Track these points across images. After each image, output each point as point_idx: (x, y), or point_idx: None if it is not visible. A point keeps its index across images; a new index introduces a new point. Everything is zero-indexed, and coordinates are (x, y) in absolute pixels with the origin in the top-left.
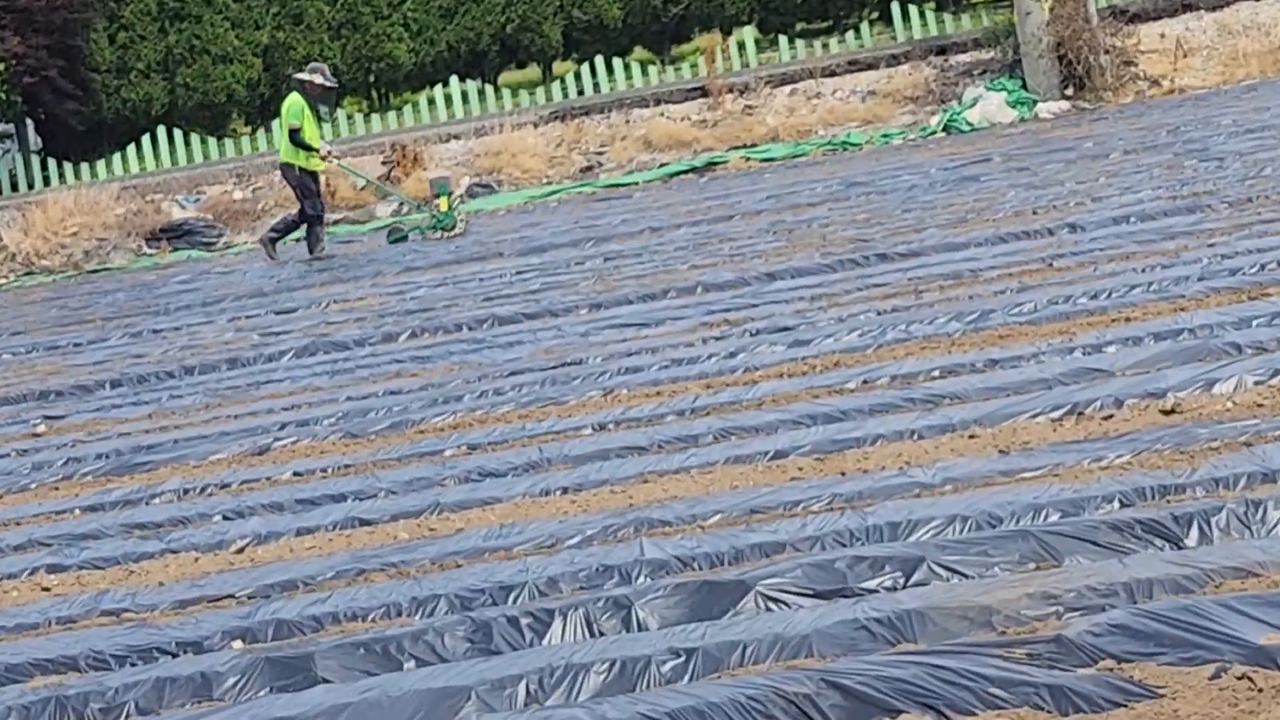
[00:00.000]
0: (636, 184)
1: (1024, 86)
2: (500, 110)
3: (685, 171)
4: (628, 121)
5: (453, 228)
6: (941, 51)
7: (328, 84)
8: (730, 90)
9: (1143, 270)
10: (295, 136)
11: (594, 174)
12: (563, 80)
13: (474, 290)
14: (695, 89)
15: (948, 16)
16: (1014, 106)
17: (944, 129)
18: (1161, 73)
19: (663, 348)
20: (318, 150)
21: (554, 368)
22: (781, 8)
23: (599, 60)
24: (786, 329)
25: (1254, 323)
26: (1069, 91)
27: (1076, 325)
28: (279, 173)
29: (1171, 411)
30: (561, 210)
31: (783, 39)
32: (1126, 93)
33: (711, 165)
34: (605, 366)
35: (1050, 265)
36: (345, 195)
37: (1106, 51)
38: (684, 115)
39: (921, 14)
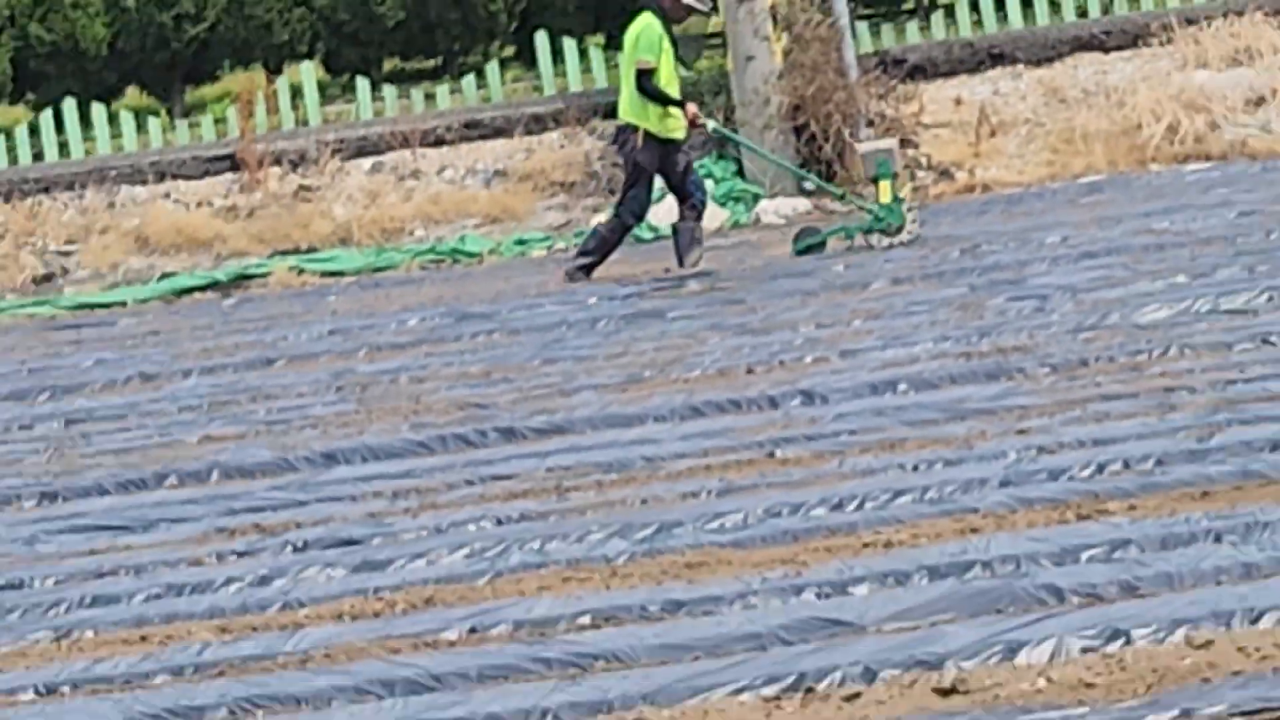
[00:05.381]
0: (123, 304)
1: (740, 173)
2: None
3: (202, 288)
4: (113, 205)
5: (900, 229)
6: (612, 113)
7: (698, 5)
8: (277, 162)
9: (914, 468)
10: (645, 81)
11: (56, 286)
12: (9, 136)
13: None
14: (222, 158)
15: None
16: (724, 204)
17: None
18: (956, 159)
19: (153, 566)
20: (683, 105)
21: None
22: (362, 34)
23: (69, 106)
24: (352, 543)
25: (1083, 555)
26: (810, 185)
27: (808, 551)
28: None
29: (951, 691)
30: (1, 342)
31: (361, 84)
32: (900, 188)
33: (244, 279)
34: (60, 594)
35: (771, 455)
36: None
37: (871, 123)
38: (203, 198)
39: (582, 53)
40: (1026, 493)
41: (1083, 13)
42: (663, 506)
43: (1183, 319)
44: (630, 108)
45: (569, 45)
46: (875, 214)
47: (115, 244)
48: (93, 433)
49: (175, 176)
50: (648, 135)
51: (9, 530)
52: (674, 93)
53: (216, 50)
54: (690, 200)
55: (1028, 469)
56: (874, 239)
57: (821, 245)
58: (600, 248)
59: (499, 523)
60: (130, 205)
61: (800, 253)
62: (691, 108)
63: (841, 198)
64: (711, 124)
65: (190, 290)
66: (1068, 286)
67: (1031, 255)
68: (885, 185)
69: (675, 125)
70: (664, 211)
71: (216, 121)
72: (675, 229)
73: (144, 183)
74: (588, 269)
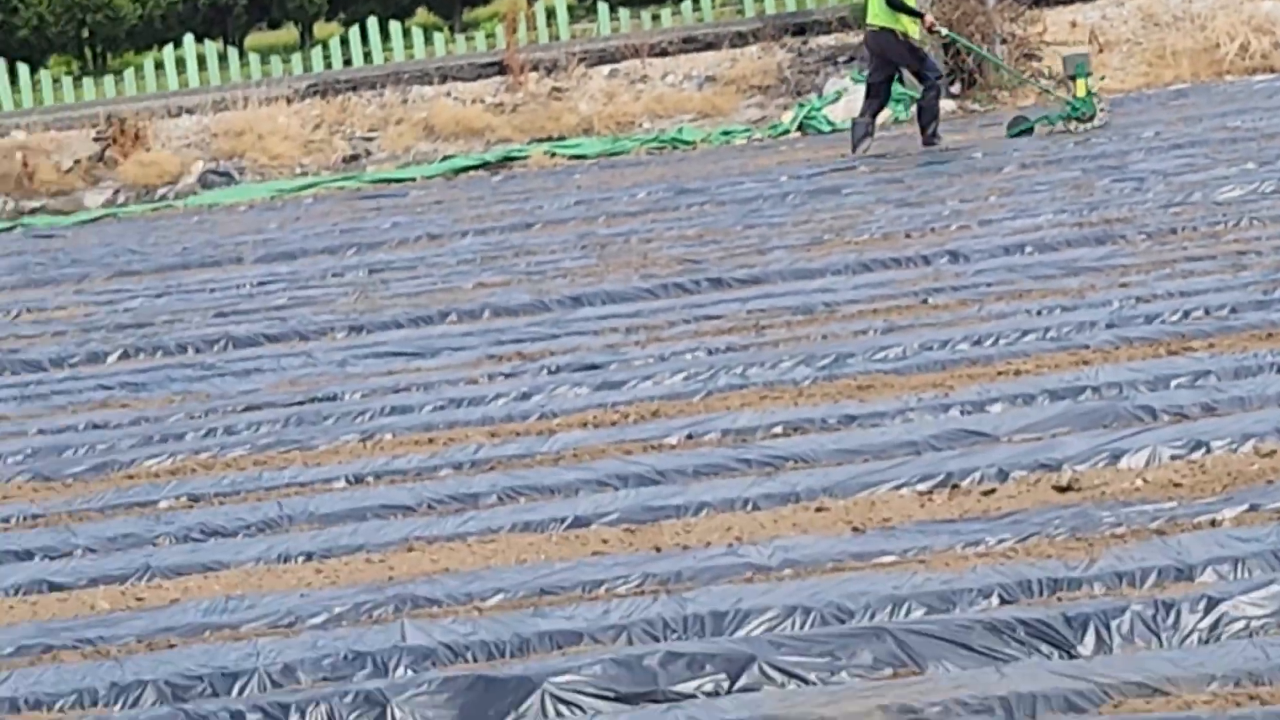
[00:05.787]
0: (414, 180)
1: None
2: (246, 80)
3: (475, 167)
4: (405, 101)
5: (1092, 118)
6: (800, 31)
7: None
8: (535, 68)
9: (1038, 313)
10: None
11: (360, 165)
12: (325, 46)
13: (203, 303)
14: (491, 64)
15: None
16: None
17: (799, 128)
18: None
19: (438, 384)
20: (921, 16)
21: (301, 404)
22: None
23: (372, 23)
24: (594, 367)
25: (1172, 383)
26: (956, 89)
27: (954, 377)
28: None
29: (1067, 488)
30: (318, 208)
31: (602, 7)
32: (1027, 93)
33: (508, 160)
34: (365, 405)
35: (924, 302)
36: (47, 178)
37: (1004, 41)
38: (476, 96)
39: None
40: (1127, 333)
41: None
42: (839, 341)
43: (1252, 197)
44: (882, 14)
45: None
46: (1073, 105)
47: (407, 132)
48: (390, 279)
49: (455, 79)
50: (899, 35)
51: (325, 355)
52: (914, 5)
53: None
54: (882, 100)
55: (1128, 314)
56: (1073, 125)
57: (1030, 130)
58: (932, 116)
59: (710, 352)
60: (419, 101)
61: (1013, 136)
62: (929, 17)
63: (1047, 91)
64: (944, 30)
65: (466, 169)
66: (1160, 171)
67: (1131, 146)
68: (1081, 82)
69: (914, 29)
70: (841, 109)
71: (487, 36)
72: (854, 122)
73: (430, 83)
74: (935, 134)
